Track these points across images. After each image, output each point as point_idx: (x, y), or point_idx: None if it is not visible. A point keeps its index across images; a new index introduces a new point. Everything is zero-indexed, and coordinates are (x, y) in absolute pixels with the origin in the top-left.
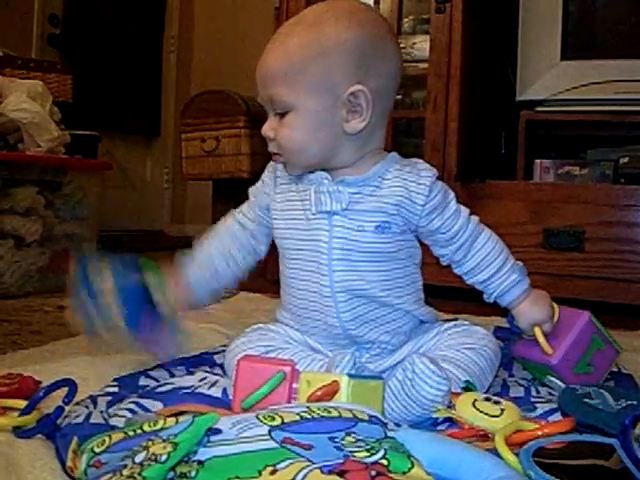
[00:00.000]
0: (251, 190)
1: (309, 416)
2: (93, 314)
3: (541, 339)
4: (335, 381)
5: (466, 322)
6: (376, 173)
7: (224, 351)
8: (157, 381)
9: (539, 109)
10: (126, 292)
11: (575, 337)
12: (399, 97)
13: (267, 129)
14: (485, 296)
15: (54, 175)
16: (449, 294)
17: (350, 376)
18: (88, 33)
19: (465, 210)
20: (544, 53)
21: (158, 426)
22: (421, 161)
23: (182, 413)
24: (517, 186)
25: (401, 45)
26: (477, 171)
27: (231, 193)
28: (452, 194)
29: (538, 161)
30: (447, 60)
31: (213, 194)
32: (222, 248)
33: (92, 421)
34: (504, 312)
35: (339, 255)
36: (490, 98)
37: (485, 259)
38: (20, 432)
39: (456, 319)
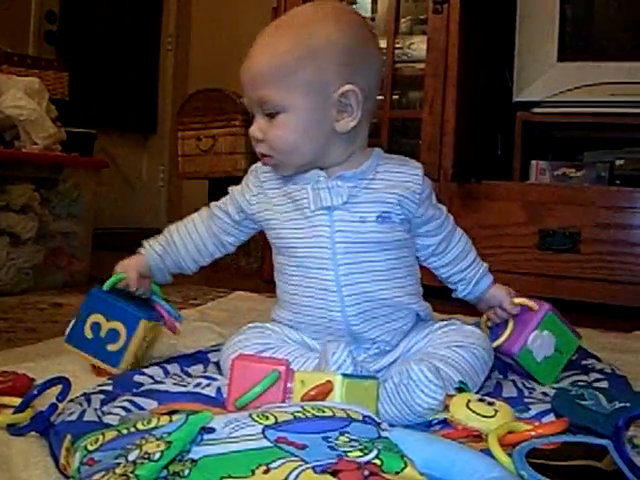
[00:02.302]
0: (233, 190)
1: (303, 416)
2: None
3: (525, 300)
4: (329, 381)
5: (458, 321)
6: (370, 167)
7: (218, 350)
8: (152, 378)
9: (536, 110)
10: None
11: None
12: (395, 97)
13: (255, 130)
14: (462, 287)
15: (50, 172)
16: (441, 295)
17: (344, 376)
18: (85, 30)
19: (441, 205)
20: (541, 54)
21: (152, 424)
22: (405, 157)
23: (176, 412)
24: (513, 187)
25: (398, 46)
26: (473, 171)
27: (227, 192)
28: (434, 187)
29: (534, 162)
30: (444, 61)
31: (209, 193)
32: (194, 236)
33: (86, 419)
34: None
35: (343, 249)
36: (487, 99)
37: (463, 249)
38: (14, 429)
39: (449, 319)
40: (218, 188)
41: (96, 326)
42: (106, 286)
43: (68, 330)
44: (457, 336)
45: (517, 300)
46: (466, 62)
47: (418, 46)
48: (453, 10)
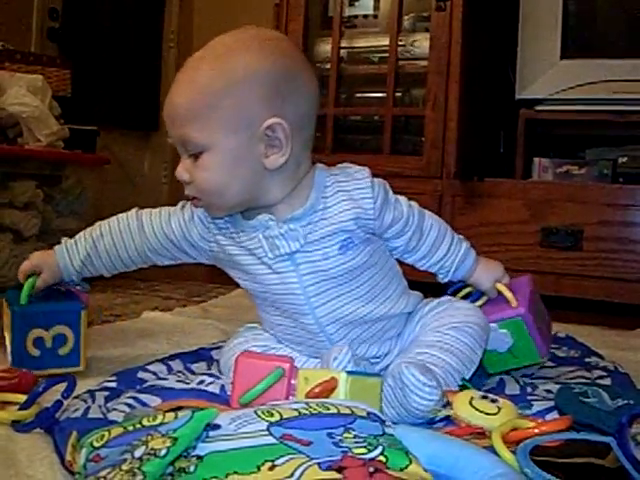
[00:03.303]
0: (180, 213)
1: (308, 412)
2: None
3: (507, 292)
4: (333, 378)
5: (448, 298)
6: (317, 197)
7: (221, 347)
8: (155, 375)
9: (538, 108)
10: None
11: (529, 291)
12: (398, 94)
13: (181, 172)
14: (441, 276)
15: (53, 169)
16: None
17: (348, 373)
18: (87, 27)
19: (401, 197)
20: (544, 52)
21: (157, 421)
22: (349, 165)
23: (180, 408)
24: (516, 185)
25: (401, 43)
26: (476, 169)
27: None
28: (386, 184)
29: (537, 160)
30: (447, 58)
31: None
32: (117, 247)
33: (90, 415)
34: None
35: (314, 290)
36: (490, 96)
37: (437, 239)
38: (19, 426)
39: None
40: None
41: (39, 340)
42: (24, 299)
43: (10, 357)
44: (448, 317)
45: (499, 287)
46: (469, 59)
47: (421, 43)
48: (456, 7)
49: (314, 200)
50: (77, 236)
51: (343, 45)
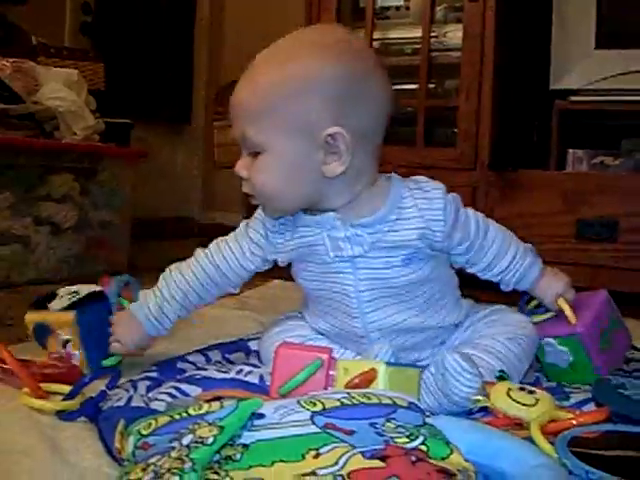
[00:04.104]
0: (249, 231)
1: (349, 402)
2: None
3: (567, 309)
4: (373, 368)
5: (502, 307)
6: (391, 209)
7: (258, 338)
8: (194, 365)
9: (573, 98)
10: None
11: (597, 309)
12: (431, 86)
13: (240, 168)
14: (503, 286)
15: (90, 162)
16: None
17: (387, 364)
18: (120, 21)
19: (470, 210)
20: (578, 42)
21: (203, 410)
22: (424, 179)
23: (220, 398)
24: (550, 176)
25: (434, 34)
26: (510, 160)
27: None
28: (459, 200)
29: (571, 151)
30: (480, 49)
31: None
32: (204, 297)
33: (133, 404)
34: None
35: (369, 296)
36: (523, 87)
37: (499, 251)
38: (64, 415)
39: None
40: None
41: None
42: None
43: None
44: (500, 327)
45: (560, 303)
46: (502, 50)
47: (454, 34)
48: None
49: (387, 210)
50: (158, 302)
51: (376, 37)
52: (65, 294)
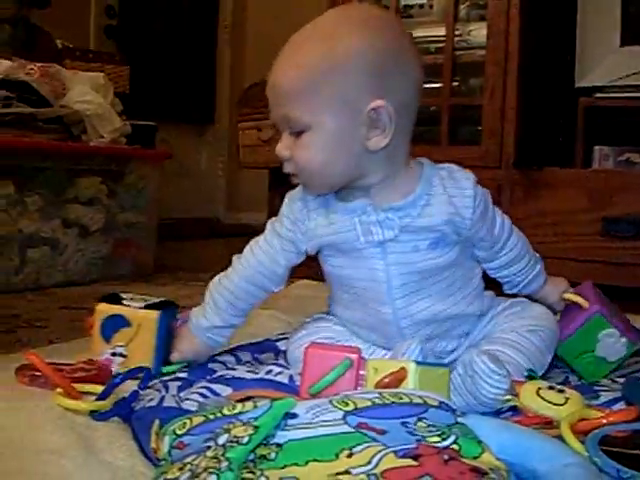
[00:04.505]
0: (277, 228)
1: (381, 402)
2: None
3: (577, 297)
4: (403, 368)
5: (523, 300)
6: (421, 194)
7: (286, 338)
8: (224, 365)
9: (598, 95)
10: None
11: (592, 293)
12: (455, 84)
13: (281, 149)
14: (507, 287)
15: (117, 165)
16: None
17: (417, 363)
18: (144, 24)
19: (498, 210)
20: (604, 39)
21: (237, 410)
22: (456, 167)
23: (250, 398)
24: (576, 173)
25: (457, 32)
26: (535, 158)
27: (287, 182)
28: (489, 195)
29: (597, 148)
30: (505, 46)
31: (269, 182)
32: (254, 302)
33: (165, 404)
34: None
35: (399, 281)
36: (548, 84)
37: (517, 256)
38: (97, 415)
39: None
40: (278, 178)
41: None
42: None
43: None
44: (522, 319)
45: (567, 296)
46: (527, 48)
47: (478, 32)
48: None
49: (418, 195)
50: (208, 317)
51: None
52: (135, 297)
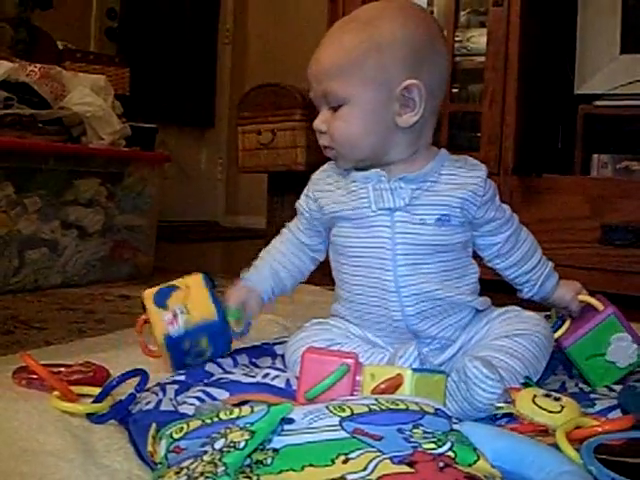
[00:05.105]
0: (300, 206)
1: (378, 408)
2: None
3: (591, 299)
4: (399, 374)
5: (517, 308)
6: (433, 169)
7: (284, 342)
8: (222, 368)
9: (597, 103)
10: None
11: (604, 298)
12: (455, 90)
13: (319, 123)
14: (526, 289)
15: (116, 167)
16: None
17: (414, 370)
18: (145, 27)
19: (506, 205)
20: (603, 46)
21: (234, 415)
22: (471, 158)
23: (247, 402)
24: (574, 181)
25: (458, 39)
26: (534, 165)
27: (286, 186)
28: (497, 189)
29: (596, 156)
30: (504, 53)
31: (268, 186)
32: (283, 260)
33: (162, 408)
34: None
35: (403, 250)
36: (547, 92)
37: (529, 249)
38: (94, 418)
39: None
40: (278, 182)
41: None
42: (233, 316)
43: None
44: (516, 324)
45: (582, 297)
46: (527, 55)
47: (478, 39)
48: (514, 2)
49: (429, 170)
50: (265, 271)
51: None
52: None
